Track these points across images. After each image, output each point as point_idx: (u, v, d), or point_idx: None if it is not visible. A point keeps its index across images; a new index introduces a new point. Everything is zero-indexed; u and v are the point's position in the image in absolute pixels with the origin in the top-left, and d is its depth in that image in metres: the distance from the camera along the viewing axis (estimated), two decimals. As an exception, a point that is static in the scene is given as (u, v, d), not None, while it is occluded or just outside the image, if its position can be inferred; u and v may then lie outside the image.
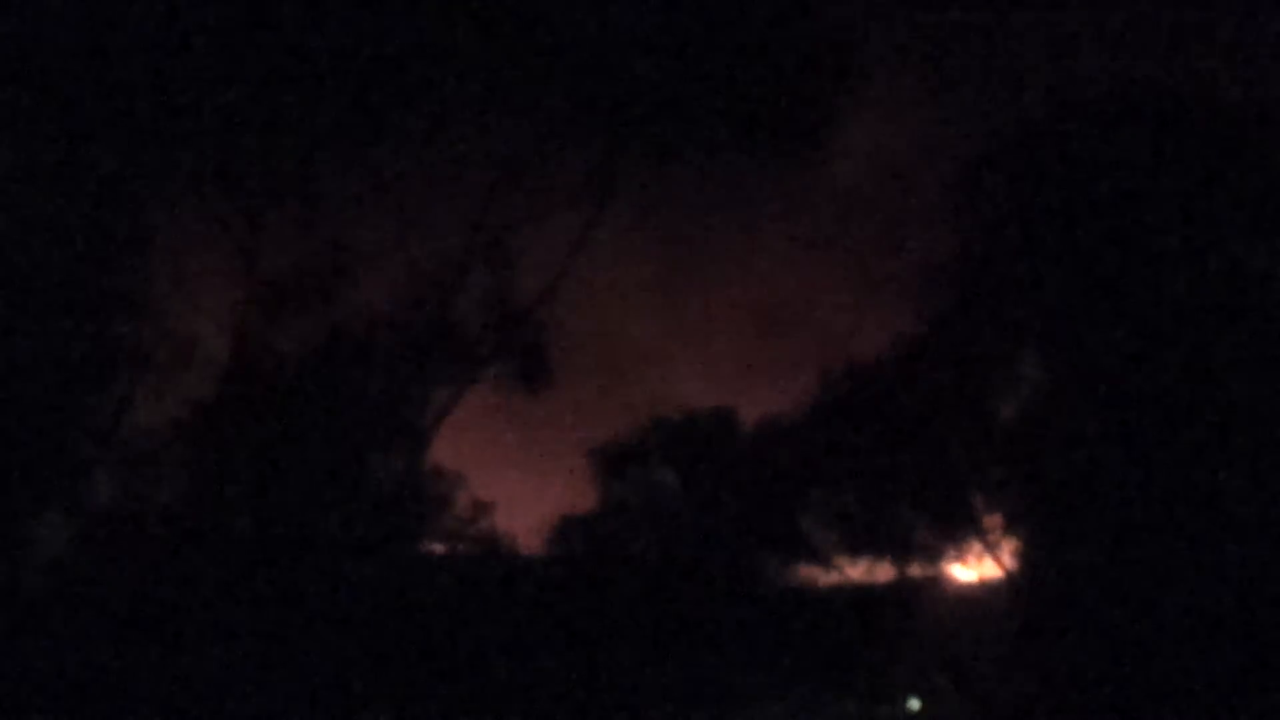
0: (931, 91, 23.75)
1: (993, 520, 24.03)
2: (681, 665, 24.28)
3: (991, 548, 24.12)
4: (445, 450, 24.01)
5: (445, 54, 22.77)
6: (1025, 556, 23.62)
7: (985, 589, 24.85)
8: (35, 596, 20.56)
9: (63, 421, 20.94)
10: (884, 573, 25.06)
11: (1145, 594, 20.90)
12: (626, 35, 22.78)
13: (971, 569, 25.10)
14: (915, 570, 24.86)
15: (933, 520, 24.43)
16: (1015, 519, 23.65)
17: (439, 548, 24.43)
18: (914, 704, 25.35)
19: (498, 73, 23.04)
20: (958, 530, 24.43)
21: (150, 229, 21.95)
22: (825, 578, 25.44)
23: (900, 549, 24.68)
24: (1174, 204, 21.32)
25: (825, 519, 25.18)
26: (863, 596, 25.08)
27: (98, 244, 21.19)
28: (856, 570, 25.30)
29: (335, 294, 23.30)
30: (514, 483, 24.75)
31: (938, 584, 25.19)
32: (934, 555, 24.82)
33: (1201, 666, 20.40)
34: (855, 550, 25.16)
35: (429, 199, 23.67)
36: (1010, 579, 23.82)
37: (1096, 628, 21.27)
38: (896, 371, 24.22)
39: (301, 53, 21.77)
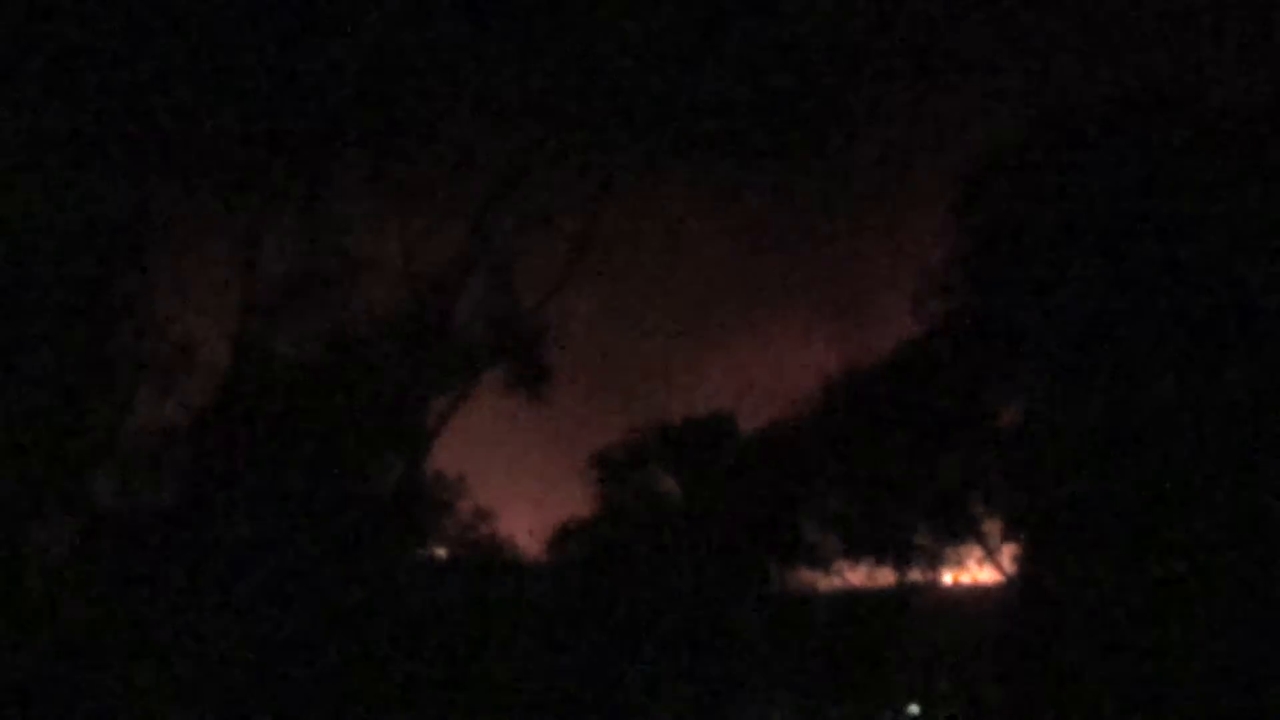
0: (934, 94, 23.76)
1: (992, 525, 24.10)
2: (681, 670, 24.28)
3: (991, 553, 24.18)
4: (446, 456, 24.00)
5: (445, 58, 22.74)
6: (1025, 561, 23.66)
7: (985, 594, 24.91)
8: (36, 600, 20.47)
9: (64, 425, 20.84)
10: (884, 578, 25.11)
11: (1144, 599, 20.93)
12: (626, 38, 22.78)
13: (971, 574, 25.17)
14: (915, 575, 24.91)
15: (933, 525, 24.47)
16: (1015, 524, 23.69)
17: (440, 553, 24.38)
18: (914, 709, 25.40)
19: (497, 77, 23.02)
20: (958, 535, 24.49)
21: (151, 233, 21.88)
22: (825, 583, 25.48)
23: (900, 554, 24.71)
24: (1175, 208, 21.37)
25: (825, 524, 25.21)
26: (863, 602, 25.11)
27: (99, 248, 21.09)
28: (857, 575, 25.35)
29: (336, 299, 23.23)
30: (515, 488, 24.74)
31: (937, 589, 25.25)
32: (934, 560, 24.87)
33: (1201, 670, 20.42)
34: (855, 555, 25.18)
35: (430, 203, 23.64)
36: (1010, 584, 23.87)
37: (1095, 633, 21.29)
38: (897, 376, 24.27)
39: (303, 56, 21.71)
